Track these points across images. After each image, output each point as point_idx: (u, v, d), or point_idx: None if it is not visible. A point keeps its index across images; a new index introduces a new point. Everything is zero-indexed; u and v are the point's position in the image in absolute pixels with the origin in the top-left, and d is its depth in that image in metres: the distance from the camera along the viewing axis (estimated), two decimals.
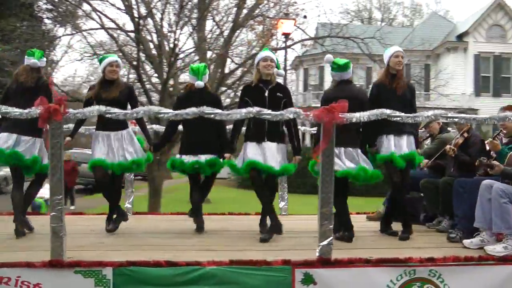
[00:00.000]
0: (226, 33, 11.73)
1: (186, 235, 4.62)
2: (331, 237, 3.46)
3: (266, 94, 4.41)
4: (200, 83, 4.68)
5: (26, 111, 3.38)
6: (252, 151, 4.31)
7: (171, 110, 3.80)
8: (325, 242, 3.43)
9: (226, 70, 12.08)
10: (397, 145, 4.38)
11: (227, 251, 3.82)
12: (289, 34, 13.58)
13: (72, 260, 3.35)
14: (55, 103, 3.29)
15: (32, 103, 3.43)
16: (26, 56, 4.57)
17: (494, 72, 26.17)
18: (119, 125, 4.47)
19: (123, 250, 3.89)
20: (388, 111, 3.50)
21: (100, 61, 4.65)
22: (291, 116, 3.78)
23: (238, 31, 12.13)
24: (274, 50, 13.76)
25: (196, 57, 11.46)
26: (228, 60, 12.10)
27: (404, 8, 44.69)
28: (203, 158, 4.63)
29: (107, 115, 3.44)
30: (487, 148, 4.31)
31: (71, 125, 4.76)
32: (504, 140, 4.35)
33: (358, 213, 6.01)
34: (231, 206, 10.58)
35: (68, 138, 4.56)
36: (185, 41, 13.06)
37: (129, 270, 3.32)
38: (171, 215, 6.21)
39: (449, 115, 3.57)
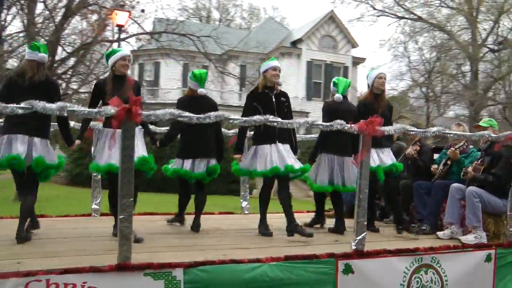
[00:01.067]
0: (58, 19, 11.42)
1: (206, 235, 4.76)
2: (365, 232, 4.01)
3: (274, 100, 4.76)
4: (203, 91, 4.84)
5: (95, 110, 3.19)
6: (269, 153, 4.60)
7: (239, 118, 3.85)
8: (360, 237, 3.96)
9: (58, 59, 11.79)
10: (380, 158, 5.10)
11: (263, 248, 4.09)
12: (123, 26, 13.13)
13: (141, 263, 3.28)
14: (132, 103, 3.17)
15: (41, 100, 3.21)
16: (29, 50, 4.12)
17: (325, 79, 27.47)
18: None
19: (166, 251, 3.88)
20: (408, 127, 4.19)
21: (109, 55, 4.40)
22: (307, 125, 4.24)
23: (70, 18, 11.86)
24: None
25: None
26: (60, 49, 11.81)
27: (243, 10, 46.35)
28: (202, 164, 4.78)
29: (179, 119, 3.41)
30: (450, 155, 5.33)
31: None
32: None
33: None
34: (64, 204, 10.20)
35: (77, 141, 4.30)
36: (10, 22, 12.20)
37: (199, 270, 3.39)
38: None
39: (447, 131, 4.41)
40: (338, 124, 4.02)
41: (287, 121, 4.02)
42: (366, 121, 3.95)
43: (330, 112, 4.89)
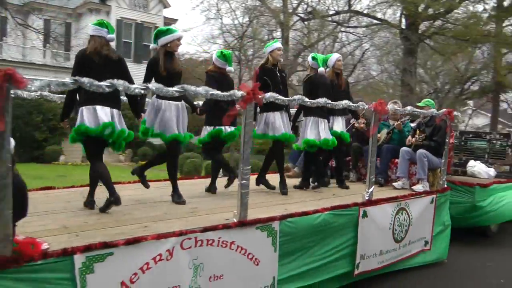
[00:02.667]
0: None
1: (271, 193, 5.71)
2: (373, 186, 5.33)
3: (278, 75, 5.68)
4: (231, 69, 5.48)
5: (227, 93, 3.73)
6: (278, 120, 5.55)
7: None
8: (370, 190, 5.27)
9: None
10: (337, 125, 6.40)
11: (297, 203, 5.09)
12: None
13: (253, 219, 4.02)
14: (254, 89, 3.80)
15: (115, 77, 3.70)
16: (96, 27, 4.21)
17: (135, 39, 26.99)
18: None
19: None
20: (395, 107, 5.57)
21: (164, 32, 4.69)
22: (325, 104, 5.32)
23: None
24: None
25: None
26: None
27: None
28: (229, 129, 5.48)
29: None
30: (396, 127, 6.98)
31: None
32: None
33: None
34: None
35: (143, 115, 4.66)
36: None
37: (287, 221, 4.28)
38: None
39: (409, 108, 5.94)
40: (346, 104, 5.17)
41: (314, 101, 4.93)
42: (378, 102, 5.19)
43: (314, 84, 5.92)
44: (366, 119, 7.31)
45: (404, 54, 22.56)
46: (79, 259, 2.96)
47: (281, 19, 23.52)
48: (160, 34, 4.71)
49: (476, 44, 24.60)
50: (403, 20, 23.73)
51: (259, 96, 3.83)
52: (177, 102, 4.68)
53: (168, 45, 4.66)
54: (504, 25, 26.56)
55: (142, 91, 3.35)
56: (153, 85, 3.43)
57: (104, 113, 4.08)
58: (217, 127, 5.35)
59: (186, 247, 3.53)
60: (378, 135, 7.25)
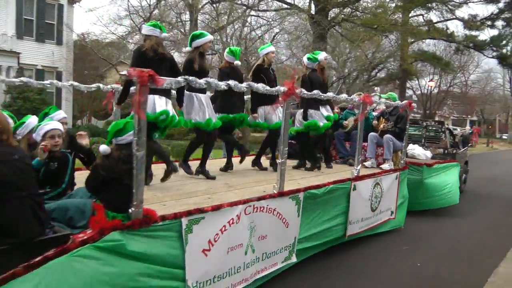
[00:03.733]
0: None
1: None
2: (360, 164, 6.48)
3: (272, 73, 6.64)
4: (239, 63, 6.31)
5: (274, 89, 4.60)
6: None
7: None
8: (358, 167, 6.43)
9: None
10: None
11: (303, 179, 6.10)
12: None
13: (288, 190, 4.96)
14: (292, 84, 4.70)
15: (167, 71, 4.60)
16: (151, 27, 4.83)
17: (37, 16, 24.49)
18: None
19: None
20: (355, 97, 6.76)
21: (198, 36, 5.40)
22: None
23: None
24: None
25: None
26: None
27: None
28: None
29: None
30: None
31: None
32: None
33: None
34: None
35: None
36: None
37: (307, 192, 5.28)
38: None
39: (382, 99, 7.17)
40: (346, 97, 6.28)
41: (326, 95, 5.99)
42: (365, 95, 6.33)
43: (313, 81, 6.92)
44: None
45: (314, 39, 22.57)
46: (184, 222, 3.72)
47: (189, 1, 22.79)
48: (194, 37, 5.46)
49: (383, 32, 25.60)
50: (313, 6, 23.77)
51: (294, 92, 4.75)
52: (203, 94, 5.48)
53: (201, 47, 5.40)
54: (410, 15, 28.87)
55: (226, 87, 4.12)
56: (231, 82, 4.20)
57: (160, 102, 4.76)
58: (225, 114, 6.18)
59: (248, 213, 4.40)
60: (346, 122, 8.50)
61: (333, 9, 24.07)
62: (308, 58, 7.13)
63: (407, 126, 7.85)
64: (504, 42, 32.64)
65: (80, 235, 3.13)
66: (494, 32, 32.42)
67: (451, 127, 15.25)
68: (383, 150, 7.87)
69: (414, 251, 6.74)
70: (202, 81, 3.87)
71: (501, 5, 29.33)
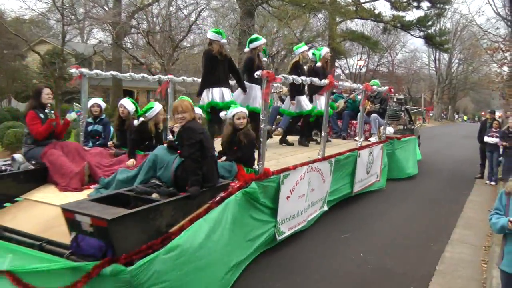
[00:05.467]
0: None
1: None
2: (362, 137, 8.40)
3: (305, 69, 8.32)
4: (265, 60, 7.92)
5: (322, 82, 6.30)
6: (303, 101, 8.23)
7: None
8: (361, 140, 8.34)
9: None
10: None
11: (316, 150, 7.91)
12: None
13: (327, 155, 6.75)
14: (331, 79, 6.44)
15: (228, 69, 6.35)
16: (215, 34, 6.34)
17: None
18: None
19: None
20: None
21: (255, 40, 6.93)
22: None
23: None
24: None
25: None
26: None
27: None
28: None
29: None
30: (350, 97, 10.14)
31: None
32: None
33: None
34: None
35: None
36: None
37: (335, 158, 7.11)
38: None
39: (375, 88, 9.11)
40: (352, 85, 8.12)
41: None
42: (366, 84, 8.22)
43: (317, 72, 8.63)
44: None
45: (242, 16, 22.45)
46: (281, 176, 5.40)
47: None
48: (252, 41, 6.98)
49: (312, 10, 25.94)
50: None
51: (334, 83, 6.51)
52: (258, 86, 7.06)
53: (257, 48, 6.96)
54: None
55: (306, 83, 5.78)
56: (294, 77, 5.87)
57: (226, 93, 6.33)
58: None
59: (308, 171, 6.15)
60: (337, 103, 10.39)
61: None
62: (313, 53, 8.85)
63: (388, 107, 9.89)
64: (430, 22, 35.08)
65: (233, 184, 4.73)
66: (420, 13, 34.32)
67: (408, 106, 17.73)
68: (369, 127, 9.87)
69: (355, 239, 6.29)
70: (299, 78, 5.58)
71: None
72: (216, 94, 6.31)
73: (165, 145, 4.63)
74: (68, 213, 3.58)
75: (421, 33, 35.37)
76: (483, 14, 47.02)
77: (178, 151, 4.37)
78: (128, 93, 36.63)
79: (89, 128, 6.30)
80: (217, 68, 6.33)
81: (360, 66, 47.26)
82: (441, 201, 9.13)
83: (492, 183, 11.01)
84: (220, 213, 4.34)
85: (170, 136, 4.58)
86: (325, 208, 7.08)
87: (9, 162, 5.11)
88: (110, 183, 4.73)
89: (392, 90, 9.98)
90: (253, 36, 7.17)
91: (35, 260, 3.82)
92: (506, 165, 10.17)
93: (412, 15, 66.57)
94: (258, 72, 5.11)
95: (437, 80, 59.87)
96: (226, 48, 6.96)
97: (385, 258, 5.65)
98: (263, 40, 7.04)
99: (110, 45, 26.26)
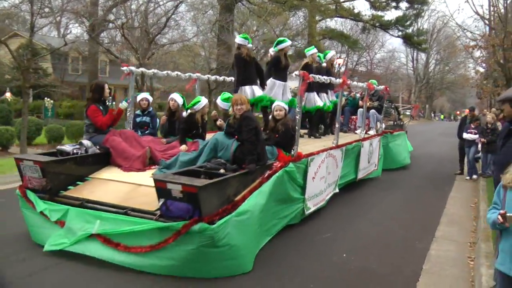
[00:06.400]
0: None
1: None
2: (363, 132, 9.42)
3: (314, 69, 9.26)
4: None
5: (334, 80, 7.27)
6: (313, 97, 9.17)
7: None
8: (363, 132, 9.36)
9: None
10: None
11: (329, 140, 8.89)
12: None
13: (340, 144, 7.72)
14: (345, 78, 7.40)
15: (255, 70, 7.32)
16: (243, 39, 7.23)
17: None
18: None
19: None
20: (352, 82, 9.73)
21: (281, 42, 7.80)
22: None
23: None
24: None
25: None
26: None
27: None
28: None
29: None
30: (351, 95, 11.15)
31: None
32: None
33: None
34: None
35: None
36: None
37: (346, 147, 8.10)
38: None
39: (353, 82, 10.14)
40: (355, 83, 9.13)
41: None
42: (368, 83, 9.23)
43: (311, 69, 9.55)
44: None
45: (221, 11, 22.39)
46: (309, 159, 6.35)
47: None
48: (279, 42, 7.88)
49: (292, 8, 26.29)
50: None
51: (348, 82, 7.48)
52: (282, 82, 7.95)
53: (284, 49, 7.87)
54: None
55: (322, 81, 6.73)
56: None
57: (257, 90, 7.24)
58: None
59: (327, 157, 7.11)
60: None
61: None
62: (318, 56, 9.80)
63: (385, 104, 10.95)
64: (408, 22, 36.06)
65: (275, 164, 5.66)
66: (399, 13, 35.32)
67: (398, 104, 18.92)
68: (368, 121, 10.91)
69: (337, 239, 6.00)
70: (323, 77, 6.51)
71: None
72: (247, 91, 7.20)
73: (223, 131, 5.52)
74: (160, 183, 4.44)
75: (400, 33, 36.15)
76: (463, 10, 48.59)
77: (235, 136, 5.27)
78: None
79: (138, 119, 7.13)
80: (247, 68, 7.21)
81: (339, 64, 48.43)
82: (423, 198, 9.05)
83: (474, 176, 11.19)
84: (269, 187, 5.26)
85: (220, 121, 5.47)
86: (337, 190, 8.04)
87: (77, 146, 5.89)
88: (172, 164, 5.58)
89: (388, 89, 11.02)
90: (281, 38, 8.06)
91: (122, 223, 4.67)
92: (493, 160, 10.74)
93: (391, 15, 68.32)
94: (297, 72, 6.05)
95: (415, 80, 61.78)
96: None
97: (369, 258, 5.34)
98: (289, 42, 7.94)
99: (86, 41, 26.09)
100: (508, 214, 2.92)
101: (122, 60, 23.68)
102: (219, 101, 6.45)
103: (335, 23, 41.47)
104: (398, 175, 11.58)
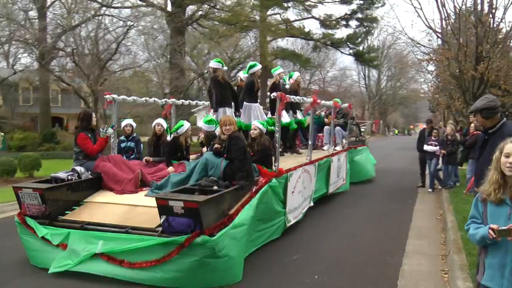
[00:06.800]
0: None
1: None
2: (332, 147, 10.10)
3: (281, 87, 9.91)
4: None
5: (304, 99, 7.91)
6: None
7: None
8: (332, 148, 10.03)
9: None
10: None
11: (303, 156, 9.49)
12: None
13: (313, 159, 8.32)
14: (315, 97, 8.07)
15: (229, 92, 7.96)
16: (217, 63, 7.83)
17: None
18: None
19: None
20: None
21: (253, 66, 8.39)
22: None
23: None
24: None
25: None
26: None
27: None
28: None
29: None
30: (316, 114, 11.86)
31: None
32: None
33: None
34: None
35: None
36: None
37: (319, 162, 8.71)
38: None
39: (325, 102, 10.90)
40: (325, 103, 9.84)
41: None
42: (335, 101, 9.96)
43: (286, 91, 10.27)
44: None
45: (172, 34, 22.62)
46: (288, 174, 6.89)
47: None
48: (251, 67, 8.47)
49: (242, 30, 26.54)
50: (169, 2, 23.82)
51: (317, 100, 8.14)
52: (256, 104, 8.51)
53: (255, 73, 8.46)
54: (268, 13, 30.14)
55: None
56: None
57: (229, 111, 7.77)
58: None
59: (302, 173, 7.68)
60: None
61: (191, 6, 23.98)
62: (284, 79, 10.48)
63: (349, 121, 11.73)
64: (359, 40, 36.21)
65: (260, 180, 6.16)
66: (350, 30, 35.50)
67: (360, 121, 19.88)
68: (334, 138, 11.63)
69: (306, 260, 5.83)
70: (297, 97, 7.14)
71: (353, 6, 32.96)
72: (227, 112, 7.71)
73: (211, 151, 5.99)
74: (162, 200, 4.84)
75: (351, 50, 36.52)
76: (416, 24, 49.96)
77: (224, 155, 5.75)
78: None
79: (122, 145, 7.47)
80: (223, 91, 7.74)
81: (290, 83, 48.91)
82: (389, 213, 9.05)
83: (439, 186, 11.39)
84: (256, 201, 5.75)
85: (217, 145, 5.93)
86: (312, 203, 8.60)
87: (71, 173, 6.18)
88: (163, 185, 5.97)
89: (352, 106, 11.81)
90: (252, 63, 8.66)
91: (125, 241, 5.01)
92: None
93: (341, 33, 70.46)
94: (275, 94, 6.62)
95: (368, 96, 63.98)
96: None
97: (342, 277, 5.24)
98: (260, 66, 8.58)
99: (36, 69, 25.72)
100: (501, 228, 2.72)
101: (74, 87, 23.39)
102: (202, 124, 6.92)
103: (286, 43, 41.93)
104: (362, 190, 11.89)
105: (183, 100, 9.62)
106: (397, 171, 16.74)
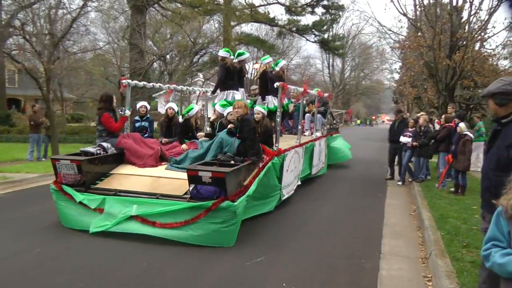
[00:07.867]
0: None
1: None
2: (316, 133, 11.20)
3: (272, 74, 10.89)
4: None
5: (293, 87, 8.93)
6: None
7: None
8: (315, 134, 11.13)
9: None
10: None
11: (293, 139, 10.54)
12: None
13: (302, 142, 9.37)
14: (306, 86, 9.09)
15: (238, 78, 8.97)
16: (226, 52, 8.67)
17: None
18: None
19: None
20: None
21: (241, 54, 9.29)
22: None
23: None
24: None
25: None
26: None
27: None
28: None
29: None
30: (295, 103, 12.95)
31: None
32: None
33: None
34: None
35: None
36: None
37: (306, 145, 9.78)
38: None
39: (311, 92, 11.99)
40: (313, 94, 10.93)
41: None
42: (318, 92, 11.04)
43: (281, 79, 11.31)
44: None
45: (132, 13, 22.09)
46: (284, 154, 7.90)
47: None
48: (239, 55, 9.34)
49: (206, 13, 26.40)
50: None
51: (308, 90, 9.17)
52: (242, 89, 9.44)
53: (244, 60, 9.37)
54: None
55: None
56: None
57: (238, 95, 8.69)
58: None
59: (294, 154, 8.72)
60: (289, 107, 13.12)
61: None
62: (272, 65, 11.42)
63: (328, 109, 12.86)
64: (325, 27, 36.06)
65: (265, 157, 7.15)
66: (316, 18, 35.03)
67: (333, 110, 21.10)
68: (315, 125, 12.75)
69: (273, 263, 5.13)
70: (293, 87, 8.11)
71: None
72: (229, 96, 8.63)
73: (225, 131, 6.92)
74: (192, 171, 5.75)
75: (316, 38, 36.29)
76: (389, 9, 49.94)
77: (237, 135, 6.69)
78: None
79: (137, 124, 8.26)
80: (228, 76, 8.61)
81: (256, 69, 48.61)
82: (360, 208, 8.35)
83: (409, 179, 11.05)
84: (264, 175, 6.75)
85: (231, 125, 6.86)
86: (299, 182, 9.68)
87: (98, 148, 6.96)
88: (182, 160, 6.86)
89: (331, 96, 12.93)
90: (241, 51, 9.57)
91: (156, 206, 5.90)
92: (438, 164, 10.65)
93: (306, 20, 68.93)
94: (277, 83, 7.59)
95: (331, 86, 65.23)
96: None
97: (315, 285, 4.54)
98: (248, 55, 9.49)
99: None
100: None
101: (24, 66, 23.16)
102: (218, 107, 7.84)
103: (250, 28, 41.06)
104: (330, 181, 11.56)
105: (183, 86, 10.39)
106: (363, 162, 16.30)
